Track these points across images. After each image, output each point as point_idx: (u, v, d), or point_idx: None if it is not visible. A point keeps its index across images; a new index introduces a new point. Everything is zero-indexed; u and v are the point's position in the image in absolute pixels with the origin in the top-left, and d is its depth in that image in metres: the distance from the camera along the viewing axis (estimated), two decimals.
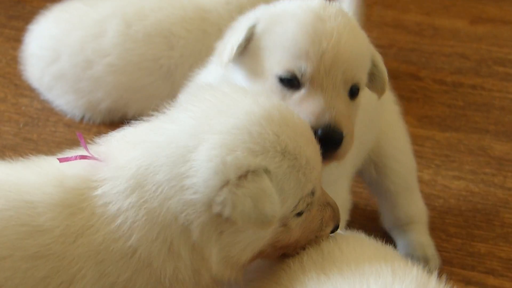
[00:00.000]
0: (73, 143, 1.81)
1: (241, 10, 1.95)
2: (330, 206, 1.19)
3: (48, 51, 2.11)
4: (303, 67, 1.29)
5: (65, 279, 1.09)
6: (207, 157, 1.02)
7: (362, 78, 1.32)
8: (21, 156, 1.88)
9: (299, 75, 1.26)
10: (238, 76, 1.51)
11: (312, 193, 1.11)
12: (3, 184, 1.14)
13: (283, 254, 1.20)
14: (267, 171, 1.03)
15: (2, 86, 2.29)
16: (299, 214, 1.11)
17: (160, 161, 1.07)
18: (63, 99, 2.11)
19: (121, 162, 1.11)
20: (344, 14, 1.33)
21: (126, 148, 1.14)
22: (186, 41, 2.03)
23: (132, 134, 1.17)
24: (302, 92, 1.26)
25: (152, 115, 1.15)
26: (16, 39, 2.30)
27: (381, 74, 1.36)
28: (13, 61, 2.28)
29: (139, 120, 1.40)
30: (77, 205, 1.10)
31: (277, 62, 1.35)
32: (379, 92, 1.39)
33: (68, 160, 1.17)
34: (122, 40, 2.03)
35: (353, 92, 1.29)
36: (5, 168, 1.19)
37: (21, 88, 2.25)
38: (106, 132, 1.90)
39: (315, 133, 1.21)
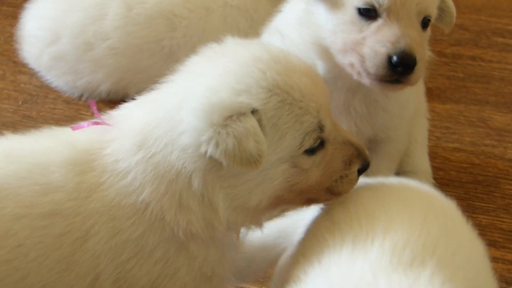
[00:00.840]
0: (73, 120, 1.87)
1: None
2: (352, 144, 1.17)
3: (46, 32, 2.11)
4: None
5: (79, 236, 1.10)
6: (195, 101, 1.04)
7: (433, 10, 1.37)
8: (19, 133, 1.95)
9: (377, 6, 1.31)
10: (319, 10, 1.54)
11: (320, 128, 1.10)
12: (17, 150, 1.17)
13: (309, 200, 1.19)
14: (254, 109, 1.03)
15: (0, 63, 2.31)
16: (310, 152, 1.10)
17: (159, 116, 1.10)
18: (62, 79, 2.12)
19: (127, 123, 1.14)
20: None
21: (132, 111, 1.17)
22: (189, 21, 2.03)
23: (139, 100, 1.19)
24: (379, 22, 1.31)
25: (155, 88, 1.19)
26: (14, 16, 2.29)
27: (449, 8, 1.42)
28: (11, 39, 2.28)
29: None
30: (88, 163, 1.13)
31: None
32: (448, 26, 1.45)
33: (81, 128, 1.20)
34: (123, 23, 2.03)
35: (425, 23, 1.35)
36: (19, 137, 1.22)
37: (19, 65, 2.25)
38: (105, 110, 1.84)
39: (391, 59, 1.29)
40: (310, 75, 1.14)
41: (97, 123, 1.21)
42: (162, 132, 1.09)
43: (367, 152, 1.20)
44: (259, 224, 1.18)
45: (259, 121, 1.05)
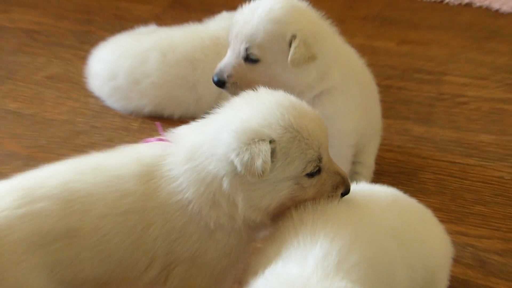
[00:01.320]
0: (125, 130, 2.26)
1: None
2: (340, 175, 1.28)
3: (107, 71, 2.29)
4: None
5: (145, 225, 1.25)
6: (232, 126, 1.18)
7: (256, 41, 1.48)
8: (90, 138, 2.20)
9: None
10: None
11: (319, 159, 1.21)
12: (99, 166, 1.30)
13: None
14: (271, 140, 1.15)
15: (77, 90, 2.46)
16: (310, 175, 1.23)
17: (205, 137, 1.24)
18: (118, 104, 2.32)
19: (182, 141, 1.28)
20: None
21: (186, 132, 1.31)
22: (205, 63, 2.19)
23: (193, 124, 1.34)
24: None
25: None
26: (86, 58, 2.44)
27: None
28: (83, 74, 2.45)
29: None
30: (150, 174, 1.27)
31: None
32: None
33: (149, 141, 1.35)
34: (160, 65, 2.22)
35: (248, 58, 1.49)
36: (98, 156, 1.34)
37: (89, 92, 2.42)
38: (147, 123, 2.25)
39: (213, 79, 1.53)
40: (316, 121, 1.24)
41: (161, 140, 1.34)
42: (206, 148, 1.21)
43: (349, 182, 1.30)
44: (266, 221, 1.27)
45: (274, 148, 1.16)
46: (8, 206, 1.23)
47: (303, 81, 1.54)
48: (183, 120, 2.18)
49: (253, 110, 1.21)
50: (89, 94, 2.44)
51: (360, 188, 1.43)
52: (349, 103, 1.82)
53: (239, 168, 1.14)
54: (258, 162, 1.14)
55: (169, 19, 2.82)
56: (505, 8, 3.08)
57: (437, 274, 1.42)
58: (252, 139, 1.14)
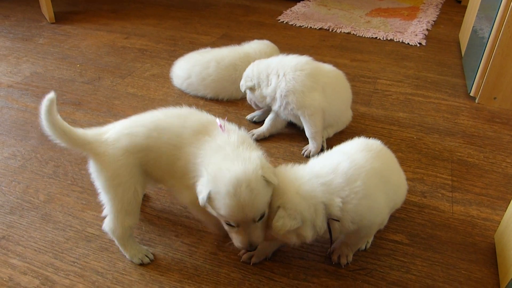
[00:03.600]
0: (196, 105, 1.69)
1: (261, 54, 2.26)
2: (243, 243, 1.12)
3: (184, 73, 2.32)
4: None
5: (178, 157, 1.17)
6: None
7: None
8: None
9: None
10: None
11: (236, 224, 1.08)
12: (179, 114, 1.23)
13: None
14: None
15: (167, 83, 2.46)
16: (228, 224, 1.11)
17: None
18: (192, 93, 2.32)
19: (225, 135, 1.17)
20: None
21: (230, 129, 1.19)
22: (241, 67, 2.18)
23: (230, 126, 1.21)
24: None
25: None
26: (172, 65, 2.47)
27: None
28: (169, 75, 2.46)
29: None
30: (202, 131, 1.18)
31: None
32: None
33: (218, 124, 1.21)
34: (216, 69, 2.26)
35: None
36: (180, 109, 1.27)
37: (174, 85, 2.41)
38: (208, 102, 2.16)
39: None
40: (244, 204, 1.04)
41: (221, 127, 1.20)
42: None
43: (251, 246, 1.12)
44: None
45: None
46: (120, 128, 1.25)
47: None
48: (230, 100, 2.30)
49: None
50: (174, 86, 2.48)
51: (362, 140, 1.34)
52: (315, 94, 1.79)
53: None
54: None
55: (220, 45, 2.82)
56: (411, 42, 3.17)
57: (399, 201, 1.36)
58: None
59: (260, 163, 1.06)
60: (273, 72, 1.84)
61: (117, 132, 1.23)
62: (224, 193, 1.02)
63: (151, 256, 1.32)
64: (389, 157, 1.35)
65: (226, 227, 1.10)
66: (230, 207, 1.02)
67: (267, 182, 1.06)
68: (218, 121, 1.20)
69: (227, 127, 1.17)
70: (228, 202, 1.02)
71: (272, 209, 1.09)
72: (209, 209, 1.09)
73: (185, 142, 1.16)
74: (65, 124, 1.16)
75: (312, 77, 1.80)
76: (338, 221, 1.13)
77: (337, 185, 1.11)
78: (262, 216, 1.07)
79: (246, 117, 2.15)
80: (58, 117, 1.13)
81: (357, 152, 1.24)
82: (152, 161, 1.21)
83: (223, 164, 1.04)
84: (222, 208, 1.03)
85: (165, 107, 1.30)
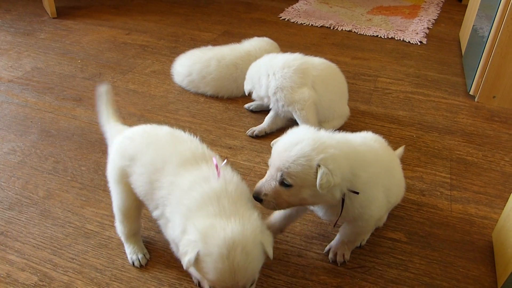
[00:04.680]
0: (196, 102, 2.18)
1: (261, 51, 2.25)
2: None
3: (185, 70, 2.31)
4: None
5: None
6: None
7: None
8: (176, 106, 2.12)
9: None
10: None
11: None
12: (171, 133, 1.18)
13: None
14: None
15: (168, 79, 2.45)
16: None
17: None
18: (192, 90, 2.31)
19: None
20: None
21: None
22: (242, 66, 2.21)
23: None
24: None
25: None
26: (173, 62, 2.45)
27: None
28: (170, 71, 2.45)
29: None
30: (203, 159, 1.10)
31: None
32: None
33: (214, 163, 1.08)
34: (217, 67, 2.25)
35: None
36: (170, 130, 1.21)
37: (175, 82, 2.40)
38: (208, 99, 2.14)
39: None
40: (236, 268, 0.89)
41: (217, 168, 1.04)
42: None
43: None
44: None
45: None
46: (132, 133, 1.22)
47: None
48: (230, 98, 2.30)
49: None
50: (174, 82, 2.47)
51: (370, 134, 1.33)
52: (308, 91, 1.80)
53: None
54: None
55: (221, 42, 2.88)
56: (412, 41, 3.17)
57: (398, 198, 1.36)
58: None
59: (261, 226, 0.95)
60: (263, 73, 1.86)
61: (126, 133, 1.25)
62: (216, 256, 0.87)
63: (144, 261, 1.29)
64: (393, 154, 1.36)
65: None
66: (220, 272, 0.88)
67: (264, 250, 0.94)
68: (214, 160, 1.08)
69: (222, 173, 1.03)
70: (220, 266, 0.87)
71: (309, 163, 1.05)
72: (193, 271, 0.99)
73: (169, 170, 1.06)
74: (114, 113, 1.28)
75: (300, 72, 1.81)
76: (358, 193, 1.10)
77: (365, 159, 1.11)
78: (252, 284, 0.95)
79: (244, 105, 2.19)
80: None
81: (371, 141, 1.25)
82: (133, 175, 1.16)
83: (217, 221, 0.90)
84: (210, 272, 0.89)
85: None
